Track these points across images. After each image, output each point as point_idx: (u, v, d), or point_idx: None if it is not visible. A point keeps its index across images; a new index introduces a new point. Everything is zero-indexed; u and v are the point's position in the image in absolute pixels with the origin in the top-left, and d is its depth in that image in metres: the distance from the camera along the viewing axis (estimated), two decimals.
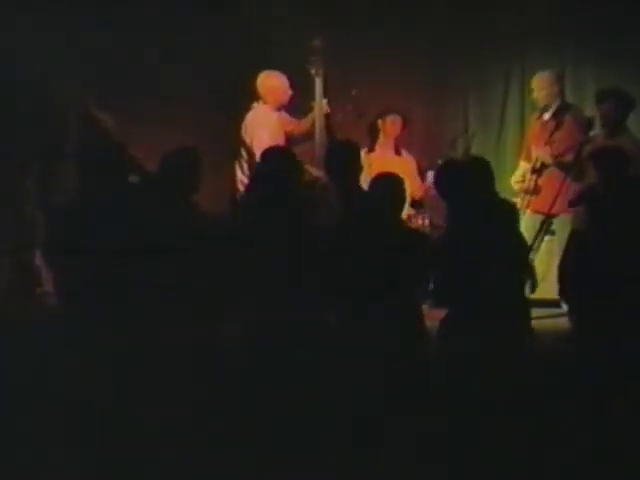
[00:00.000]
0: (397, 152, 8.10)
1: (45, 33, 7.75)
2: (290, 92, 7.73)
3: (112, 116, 7.58)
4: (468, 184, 5.91)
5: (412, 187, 7.44)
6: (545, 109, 7.76)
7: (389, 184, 5.91)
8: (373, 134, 8.09)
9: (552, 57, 8.84)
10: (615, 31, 8.47)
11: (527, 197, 7.65)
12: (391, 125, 8.02)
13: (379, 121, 8.04)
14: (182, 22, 8.43)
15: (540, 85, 7.76)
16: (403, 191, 5.95)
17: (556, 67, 8.69)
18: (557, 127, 7.63)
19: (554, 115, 7.70)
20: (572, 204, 6.66)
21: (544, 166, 7.61)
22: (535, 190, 7.63)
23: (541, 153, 7.62)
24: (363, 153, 7.92)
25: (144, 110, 8.27)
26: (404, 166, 7.74)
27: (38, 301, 7.25)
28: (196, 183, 5.85)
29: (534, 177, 7.66)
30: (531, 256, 6.44)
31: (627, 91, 7.48)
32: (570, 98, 8.60)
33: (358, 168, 6.28)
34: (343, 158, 6.23)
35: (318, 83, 7.61)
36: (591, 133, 7.50)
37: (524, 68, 8.93)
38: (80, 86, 7.75)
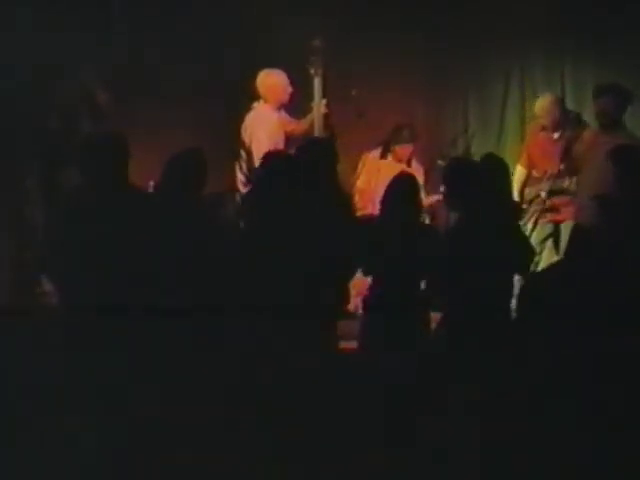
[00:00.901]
0: (408, 162, 8.11)
1: (45, 33, 7.76)
2: (290, 89, 7.73)
3: (107, 91, 7.62)
4: (469, 183, 5.95)
5: None
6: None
7: (403, 184, 6.00)
8: (386, 146, 8.11)
9: (552, 57, 8.86)
10: (615, 31, 8.47)
11: (545, 214, 7.71)
12: (401, 152, 8.06)
13: (391, 143, 8.10)
14: (182, 22, 8.44)
15: (543, 110, 7.81)
16: (417, 191, 6.07)
17: (556, 67, 8.76)
18: (568, 144, 7.66)
19: (564, 133, 7.74)
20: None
21: (563, 191, 7.62)
22: (554, 209, 7.67)
23: (559, 180, 7.63)
24: (375, 156, 7.95)
25: (144, 110, 8.27)
26: None
27: (38, 301, 7.25)
28: (201, 184, 5.87)
29: (546, 196, 7.69)
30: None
31: (624, 86, 7.48)
32: (570, 98, 8.63)
33: (332, 165, 6.11)
34: (314, 155, 6.12)
35: (317, 83, 7.60)
36: None
37: (524, 68, 8.94)
38: (80, 86, 7.76)
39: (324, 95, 7.64)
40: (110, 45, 8.20)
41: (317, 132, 7.62)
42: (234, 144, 7.83)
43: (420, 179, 7.90)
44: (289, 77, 7.72)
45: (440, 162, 8.11)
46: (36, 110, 7.69)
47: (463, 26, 8.74)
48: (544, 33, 8.69)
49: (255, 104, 7.77)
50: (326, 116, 7.65)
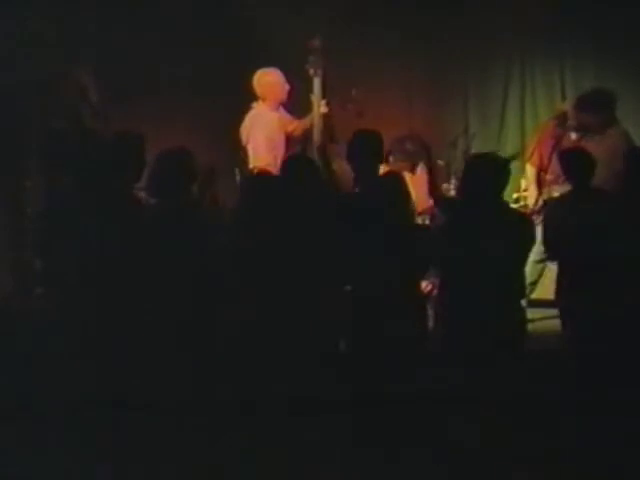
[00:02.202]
0: (412, 169, 8.06)
1: (45, 32, 7.76)
2: (287, 87, 7.70)
3: (99, 89, 7.61)
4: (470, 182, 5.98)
5: (420, 202, 7.41)
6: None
7: (394, 180, 6.05)
8: (386, 156, 8.03)
9: (552, 57, 8.86)
10: (615, 31, 8.47)
11: None
12: (395, 167, 7.96)
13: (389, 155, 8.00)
14: (182, 22, 8.44)
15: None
16: (405, 187, 6.06)
17: (556, 67, 8.76)
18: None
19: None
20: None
21: None
22: None
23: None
24: None
25: (144, 110, 8.26)
26: (415, 182, 7.68)
27: (38, 301, 7.25)
28: (188, 183, 5.87)
29: None
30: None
31: (605, 96, 7.46)
32: (570, 98, 8.61)
33: (378, 157, 6.30)
34: (365, 145, 6.22)
35: (317, 83, 7.57)
36: None
37: (524, 68, 8.94)
38: (80, 85, 7.76)
39: (324, 95, 7.62)
40: (110, 45, 8.18)
41: (316, 132, 7.59)
42: (234, 144, 7.81)
43: (422, 187, 7.87)
44: (290, 77, 7.70)
45: (440, 162, 8.09)
46: (35, 110, 7.69)
47: (463, 26, 8.73)
48: (544, 33, 8.69)
49: (254, 104, 7.75)
50: (326, 116, 7.63)
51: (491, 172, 5.94)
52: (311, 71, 7.56)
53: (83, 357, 5.48)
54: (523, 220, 6.13)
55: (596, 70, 8.68)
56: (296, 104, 7.89)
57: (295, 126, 7.78)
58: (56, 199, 6.83)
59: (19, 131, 7.67)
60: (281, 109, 7.79)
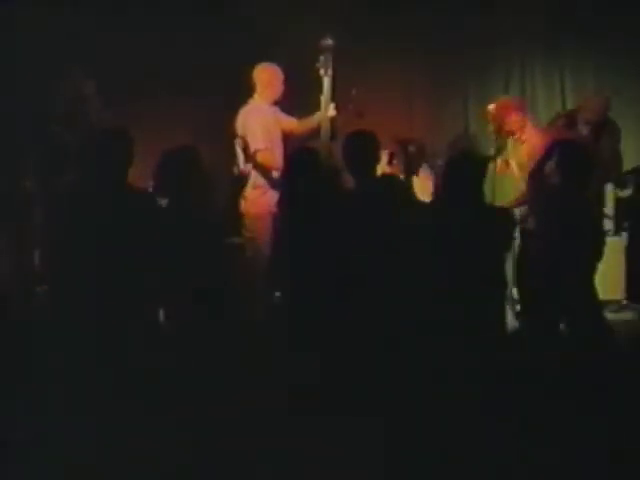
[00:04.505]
0: (415, 172, 8.04)
1: (45, 32, 7.77)
2: (283, 84, 7.67)
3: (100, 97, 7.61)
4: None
5: None
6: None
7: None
8: (390, 158, 8.04)
9: (552, 57, 8.88)
10: (615, 31, 8.49)
11: None
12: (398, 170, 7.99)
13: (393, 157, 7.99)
14: (182, 22, 8.45)
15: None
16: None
17: (556, 67, 8.78)
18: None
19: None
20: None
21: None
22: None
23: None
24: (383, 161, 7.89)
25: (144, 110, 8.27)
26: (419, 184, 7.66)
27: (38, 301, 7.25)
28: (196, 181, 5.86)
29: None
30: None
31: None
32: (570, 98, 8.64)
33: (374, 158, 6.22)
34: (361, 147, 6.17)
35: (327, 83, 7.45)
36: None
37: (524, 68, 8.96)
38: (79, 85, 7.76)
39: (333, 95, 7.50)
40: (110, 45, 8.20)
41: (323, 134, 7.48)
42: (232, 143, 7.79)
43: (426, 189, 7.86)
44: (292, 77, 7.68)
45: (440, 162, 8.09)
46: (35, 110, 7.69)
47: (463, 26, 8.75)
48: (544, 33, 8.71)
49: (250, 100, 7.70)
50: (332, 119, 7.53)
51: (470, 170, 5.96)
52: (321, 71, 7.43)
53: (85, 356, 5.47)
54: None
55: (596, 70, 8.70)
56: (296, 104, 7.88)
57: (294, 126, 7.72)
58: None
59: (19, 131, 7.67)
60: (276, 106, 7.74)
